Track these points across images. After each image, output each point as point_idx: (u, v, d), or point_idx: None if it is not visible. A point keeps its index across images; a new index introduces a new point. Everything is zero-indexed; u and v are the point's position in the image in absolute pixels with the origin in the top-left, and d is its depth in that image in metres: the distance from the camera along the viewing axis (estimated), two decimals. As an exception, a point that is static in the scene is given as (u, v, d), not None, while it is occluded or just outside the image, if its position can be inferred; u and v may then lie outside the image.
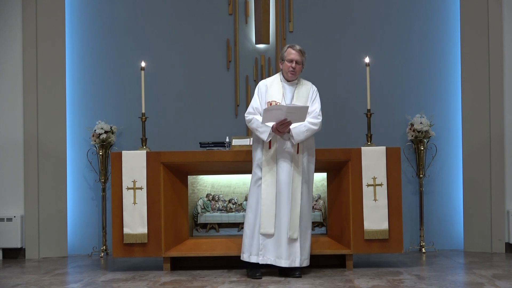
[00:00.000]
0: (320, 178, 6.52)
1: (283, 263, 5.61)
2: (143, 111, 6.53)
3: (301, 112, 5.51)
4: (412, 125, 7.17)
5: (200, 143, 6.51)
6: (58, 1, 7.30)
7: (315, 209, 6.51)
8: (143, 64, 6.55)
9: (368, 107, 6.43)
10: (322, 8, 7.48)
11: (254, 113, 5.72)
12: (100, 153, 7.25)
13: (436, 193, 7.34)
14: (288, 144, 5.64)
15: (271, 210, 5.62)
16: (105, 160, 7.25)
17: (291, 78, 5.76)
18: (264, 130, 5.61)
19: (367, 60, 6.47)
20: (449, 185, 7.33)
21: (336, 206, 6.30)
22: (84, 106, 7.44)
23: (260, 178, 5.66)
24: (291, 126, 5.57)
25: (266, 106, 5.66)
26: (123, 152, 6.23)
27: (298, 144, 5.64)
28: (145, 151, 6.22)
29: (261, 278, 5.58)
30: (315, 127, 5.69)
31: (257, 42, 7.44)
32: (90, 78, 7.46)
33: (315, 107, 5.76)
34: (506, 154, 7.09)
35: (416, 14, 7.42)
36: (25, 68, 7.25)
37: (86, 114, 7.42)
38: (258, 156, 5.70)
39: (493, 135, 7.10)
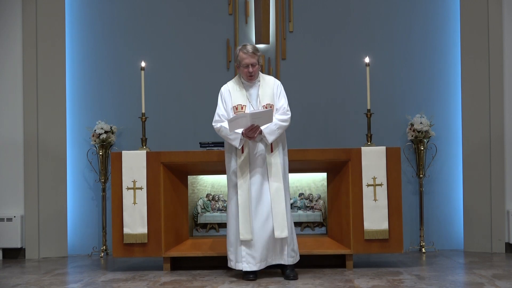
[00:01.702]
0: (320, 178, 6.52)
1: (274, 262, 5.56)
2: (143, 111, 6.54)
3: (266, 116, 5.42)
4: (412, 125, 7.17)
5: (200, 143, 6.51)
6: (58, 1, 7.30)
7: (315, 209, 6.51)
8: (143, 64, 6.56)
9: (368, 107, 6.43)
10: (322, 8, 7.47)
11: (221, 120, 5.62)
12: (100, 153, 7.25)
13: (436, 193, 7.34)
14: (260, 146, 5.57)
15: (247, 215, 5.53)
16: (105, 160, 7.25)
17: (251, 81, 5.68)
18: (235, 137, 5.52)
19: (367, 60, 6.47)
20: (449, 185, 7.33)
21: (336, 206, 6.30)
22: (84, 106, 7.44)
23: (237, 184, 5.59)
24: (262, 127, 5.49)
25: (232, 111, 5.59)
26: (123, 152, 6.23)
27: (272, 143, 5.57)
28: (145, 151, 6.22)
29: (255, 280, 5.54)
30: (285, 123, 5.59)
31: (257, 42, 7.43)
32: (90, 78, 7.46)
33: (282, 102, 5.65)
34: (506, 154, 7.09)
35: (416, 14, 7.41)
36: (25, 68, 7.25)
37: (86, 114, 7.42)
38: (232, 162, 5.63)
39: (493, 135, 7.10)
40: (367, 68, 6.44)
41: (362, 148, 6.17)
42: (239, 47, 5.67)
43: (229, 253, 5.68)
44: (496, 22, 7.13)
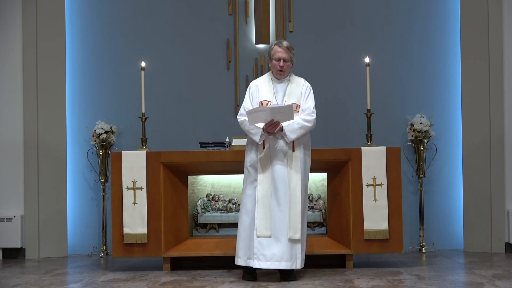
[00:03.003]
0: (320, 178, 6.52)
1: (284, 265, 5.43)
2: (143, 111, 6.54)
3: (286, 111, 5.36)
4: (412, 125, 7.18)
5: (200, 143, 6.51)
6: (58, 1, 7.30)
7: (315, 209, 6.51)
8: (143, 64, 6.56)
9: (368, 107, 6.44)
10: (322, 8, 7.48)
11: (246, 115, 5.58)
12: (100, 153, 7.25)
13: (436, 193, 7.34)
14: (281, 143, 5.50)
15: (267, 212, 5.47)
16: (105, 160, 7.26)
17: (281, 77, 5.64)
18: (256, 131, 5.47)
19: (367, 60, 6.47)
20: (449, 185, 7.33)
21: (336, 206, 6.30)
22: (84, 106, 7.45)
23: (255, 180, 5.53)
24: (284, 124, 5.43)
25: (258, 106, 5.54)
26: (123, 152, 6.23)
27: (293, 141, 5.51)
28: (145, 151, 6.22)
29: (255, 280, 5.52)
30: (309, 124, 5.54)
31: (257, 42, 7.44)
32: (90, 78, 7.47)
33: (308, 104, 5.61)
34: (506, 154, 7.09)
35: (416, 14, 7.42)
36: (25, 68, 7.25)
37: (86, 114, 7.42)
38: (252, 157, 5.57)
39: (493, 135, 7.10)
40: (367, 68, 6.44)
41: (362, 148, 6.17)
42: (275, 42, 5.67)
43: (238, 250, 5.57)
44: (496, 22, 7.13)
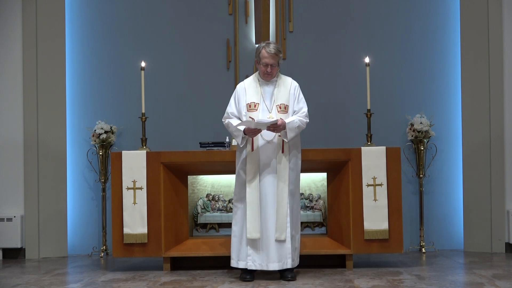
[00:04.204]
0: (320, 178, 6.52)
1: (275, 266, 5.51)
2: (143, 111, 6.54)
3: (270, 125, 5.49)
4: (412, 125, 7.17)
5: (200, 143, 6.51)
6: (58, 1, 7.30)
7: (315, 209, 6.51)
8: (143, 64, 6.56)
9: (368, 107, 6.44)
10: (322, 8, 7.48)
11: (229, 117, 5.63)
12: (100, 153, 7.25)
13: (436, 193, 7.34)
14: (270, 145, 5.55)
15: (256, 214, 5.52)
16: (105, 160, 7.25)
17: (268, 79, 5.64)
18: (238, 134, 5.54)
19: (367, 60, 6.48)
20: (449, 185, 7.33)
21: (336, 206, 6.30)
22: (84, 106, 7.44)
23: (245, 182, 5.57)
24: (287, 121, 5.47)
25: (246, 108, 5.57)
26: (123, 152, 6.24)
27: (283, 143, 5.54)
28: (145, 151, 6.22)
29: (252, 281, 5.53)
30: (304, 126, 5.59)
31: (257, 42, 7.43)
32: (90, 78, 7.47)
33: (301, 106, 5.63)
34: (506, 154, 7.09)
35: (416, 14, 7.42)
36: (25, 68, 7.25)
37: (86, 114, 7.42)
38: (242, 160, 5.61)
39: (493, 135, 7.10)
40: (367, 68, 6.44)
41: (362, 148, 6.17)
42: (262, 44, 5.62)
43: (231, 251, 5.64)
44: (496, 22, 7.13)
